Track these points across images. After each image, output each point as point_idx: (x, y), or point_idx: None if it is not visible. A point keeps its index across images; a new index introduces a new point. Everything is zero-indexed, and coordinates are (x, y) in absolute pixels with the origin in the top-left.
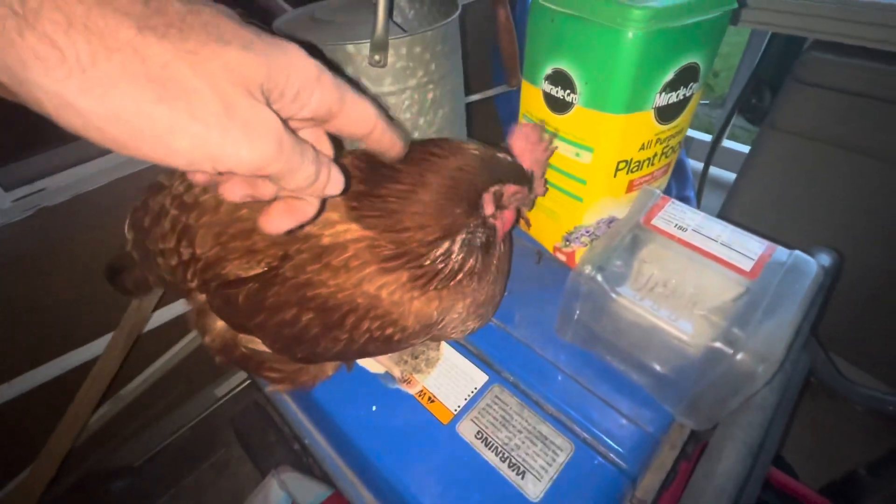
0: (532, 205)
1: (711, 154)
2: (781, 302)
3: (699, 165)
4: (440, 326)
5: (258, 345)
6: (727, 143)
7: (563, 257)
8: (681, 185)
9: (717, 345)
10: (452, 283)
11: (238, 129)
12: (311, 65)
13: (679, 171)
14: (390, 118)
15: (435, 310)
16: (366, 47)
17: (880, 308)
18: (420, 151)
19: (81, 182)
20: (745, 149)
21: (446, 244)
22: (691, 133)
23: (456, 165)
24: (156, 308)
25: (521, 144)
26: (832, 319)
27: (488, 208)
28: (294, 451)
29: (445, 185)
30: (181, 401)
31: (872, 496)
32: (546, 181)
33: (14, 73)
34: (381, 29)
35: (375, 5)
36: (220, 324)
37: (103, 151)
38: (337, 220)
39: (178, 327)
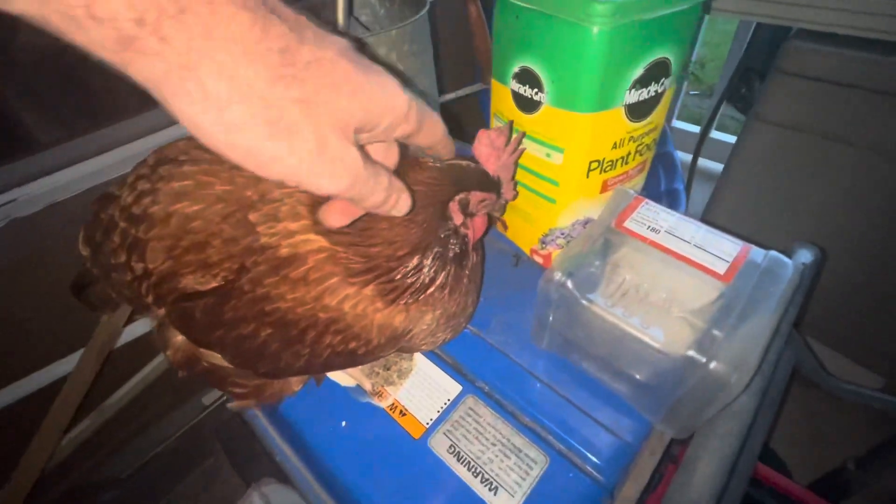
0: (503, 210)
1: (700, 145)
2: (756, 306)
3: (688, 157)
4: (408, 338)
5: (220, 359)
6: (716, 133)
7: (540, 260)
8: (669, 178)
9: (690, 353)
10: (422, 296)
11: (325, 165)
12: (402, 102)
13: (668, 163)
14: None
15: (400, 323)
16: None
17: (865, 297)
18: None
19: (54, 191)
20: (734, 140)
21: (416, 258)
22: (679, 125)
23: (415, 180)
24: (136, 319)
25: (486, 150)
26: (817, 309)
27: (456, 218)
28: (277, 462)
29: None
30: (168, 410)
31: (860, 491)
32: (516, 184)
33: (162, 94)
34: (341, 29)
35: (335, 4)
36: (180, 338)
37: (77, 159)
38: (296, 230)
39: None
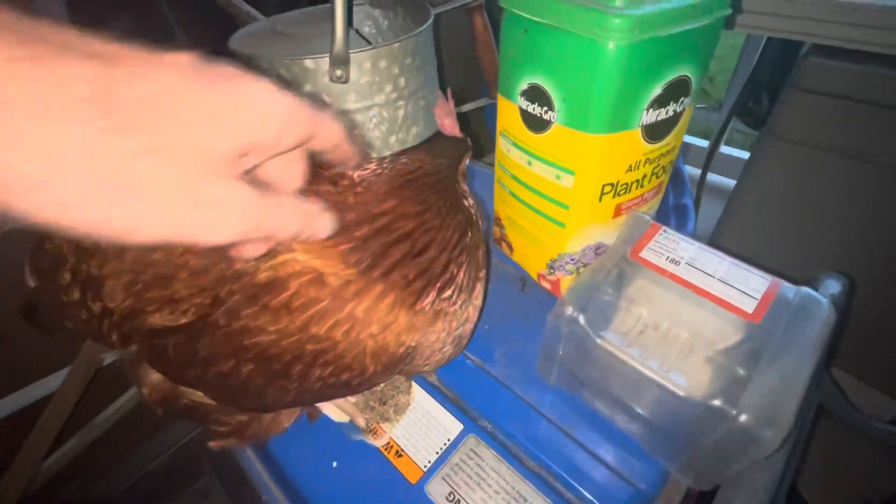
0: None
1: (709, 160)
2: (789, 350)
3: (697, 172)
4: (409, 359)
5: (202, 396)
6: (725, 148)
7: (547, 285)
8: (678, 193)
9: (716, 402)
10: (450, 290)
11: (202, 217)
12: (279, 112)
13: (676, 178)
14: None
15: (398, 344)
16: (325, 62)
17: (891, 322)
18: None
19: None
20: (744, 154)
21: (445, 252)
22: (688, 139)
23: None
24: None
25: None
26: (843, 337)
27: (464, 188)
28: (264, 501)
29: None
30: (159, 427)
31: None
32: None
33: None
34: (339, 42)
35: (332, 17)
36: (156, 375)
37: None
38: (277, 248)
39: None
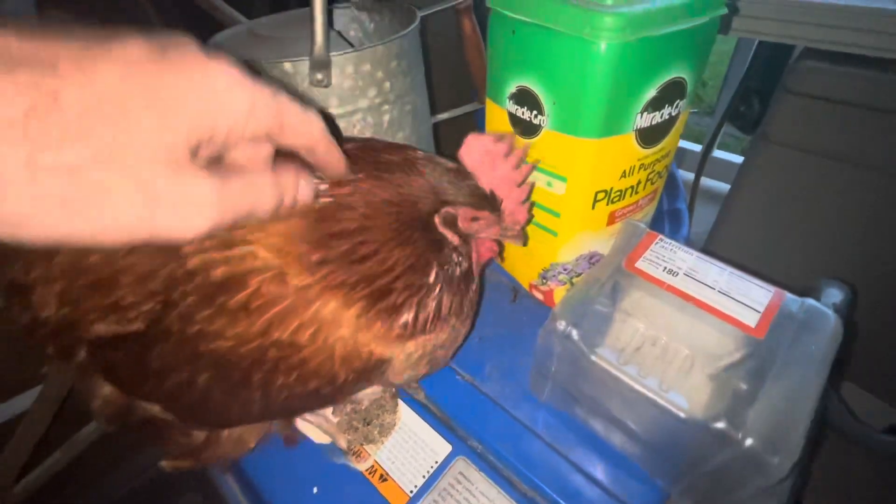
0: (517, 236)
1: (702, 165)
2: (796, 367)
3: (690, 176)
4: (380, 372)
5: (162, 413)
6: (718, 152)
7: (540, 295)
8: (672, 197)
9: (720, 426)
10: (429, 326)
11: (170, 213)
12: (240, 101)
13: (670, 183)
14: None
15: (370, 353)
16: (305, 65)
17: (887, 327)
18: (366, 162)
19: None
20: (737, 158)
21: (417, 277)
22: (681, 143)
23: (398, 183)
24: None
25: (477, 157)
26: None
27: (450, 237)
28: None
29: (393, 207)
30: (143, 445)
31: None
32: (532, 204)
33: None
34: (320, 45)
35: (312, 18)
36: (108, 387)
37: None
38: (235, 239)
39: None
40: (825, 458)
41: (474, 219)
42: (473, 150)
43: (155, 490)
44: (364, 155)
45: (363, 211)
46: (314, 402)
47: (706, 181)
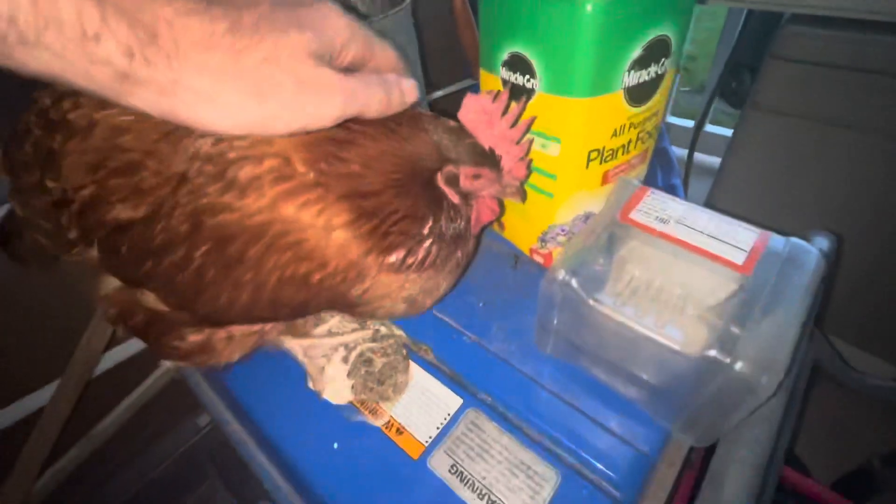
0: (517, 193)
1: (695, 140)
2: (781, 299)
3: (684, 153)
4: (363, 292)
5: (155, 301)
6: (710, 127)
7: (540, 259)
8: (666, 174)
9: (712, 353)
10: (415, 269)
11: (315, 96)
12: (344, 24)
13: (663, 159)
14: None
15: (362, 256)
16: None
17: (881, 287)
18: (378, 123)
19: None
20: (729, 133)
21: (416, 226)
22: (674, 120)
23: (404, 136)
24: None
25: (473, 117)
26: (832, 302)
27: (451, 195)
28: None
29: (397, 158)
30: (162, 434)
31: (888, 489)
32: (529, 161)
33: (161, 111)
34: None
35: None
36: (112, 284)
37: None
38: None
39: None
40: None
41: (476, 176)
42: (471, 110)
43: (172, 482)
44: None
45: (368, 152)
46: (304, 293)
47: (699, 156)
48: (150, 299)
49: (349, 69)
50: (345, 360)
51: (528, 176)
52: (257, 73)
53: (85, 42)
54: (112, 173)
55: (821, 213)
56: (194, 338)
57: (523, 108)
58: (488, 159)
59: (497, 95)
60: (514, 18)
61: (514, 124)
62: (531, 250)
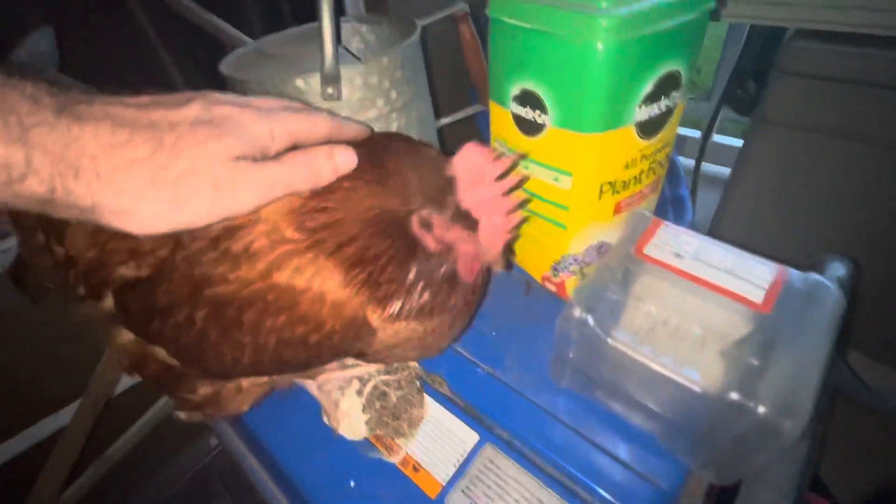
0: (494, 260)
1: (702, 150)
2: (802, 339)
3: (691, 163)
4: (367, 343)
5: (168, 357)
6: (717, 137)
7: (552, 287)
8: (674, 185)
9: (733, 396)
10: (405, 315)
11: (229, 197)
12: (262, 130)
13: (671, 170)
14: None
15: (358, 311)
16: (316, 80)
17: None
18: (369, 148)
19: None
20: (736, 142)
21: (401, 270)
22: (680, 130)
23: (387, 172)
24: None
25: (465, 170)
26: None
27: (427, 242)
28: None
29: (373, 197)
30: (174, 454)
31: None
32: (512, 237)
33: (88, 221)
34: (329, 60)
35: (320, 35)
36: (126, 335)
37: None
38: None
39: None
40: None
41: (448, 231)
42: (465, 161)
43: (186, 499)
44: (372, 142)
45: (348, 195)
46: (305, 354)
47: (707, 166)
48: (162, 353)
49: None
50: (359, 393)
51: (507, 249)
52: (175, 186)
53: (10, 183)
54: (111, 237)
55: (832, 225)
56: (204, 390)
57: (524, 179)
58: (463, 219)
59: (499, 155)
60: (525, 55)
61: (506, 192)
62: (543, 278)
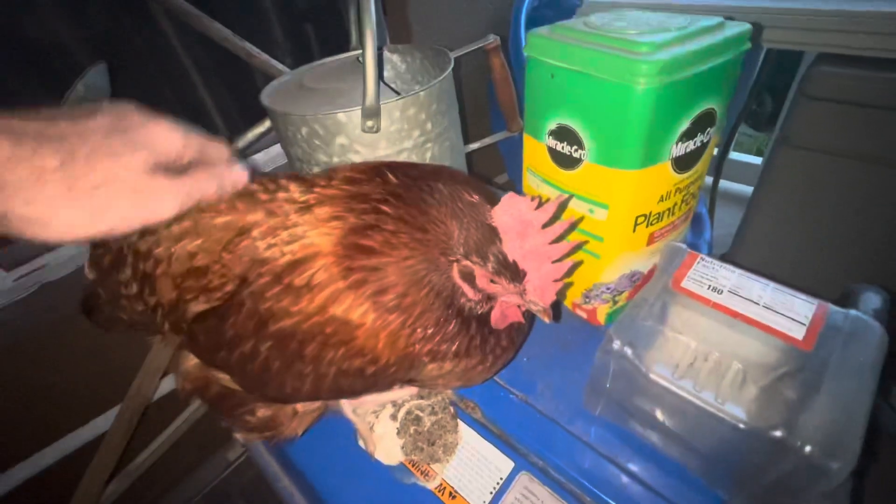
0: (542, 312)
1: (720, 168)
2: (846, 377)
3: (708, 180)
4: (420, 367)
5: (231, 382)
6: (734, 154)
7: (583, 314)
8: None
9: (779, 434)
10: (448, 355)
11: (149, 204)
12: (177, 137)
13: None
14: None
15: (408, 347)
16: (357, 115)
17: None
18: (415, 197)
19: (83, 253)
20: (752, 159)
21: (438, 318)
22: None
23: (431, 220)
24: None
25: (508, 221)
26: None
27: (468, 291)
28: None
29: (415, 244)
30: (193, 468)
31: None
32: (563, 287)
33: (9, 233)
34: (371, 96)
35: (364, 72)
36: (191, 362)
37: None
38: (301, 234)
39: None
40: (881, 462)
41: (490, 281)
42: (506, 212)
43: None
44: (419, 181)
45: (389, 239)
46: (361, 383)
47: (724, 183)
48: (225, 378)
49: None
50: (393, 417)
51: (558, 300)
52: (94, 194)
53: None
54: (185, 278)
55: (853, 248)
56: (263, 412)
57: (574, 225)
58: (509, 271)
59: (540, 203)
60: (563, 94)
61: (553, 241)
62: (574, 304)
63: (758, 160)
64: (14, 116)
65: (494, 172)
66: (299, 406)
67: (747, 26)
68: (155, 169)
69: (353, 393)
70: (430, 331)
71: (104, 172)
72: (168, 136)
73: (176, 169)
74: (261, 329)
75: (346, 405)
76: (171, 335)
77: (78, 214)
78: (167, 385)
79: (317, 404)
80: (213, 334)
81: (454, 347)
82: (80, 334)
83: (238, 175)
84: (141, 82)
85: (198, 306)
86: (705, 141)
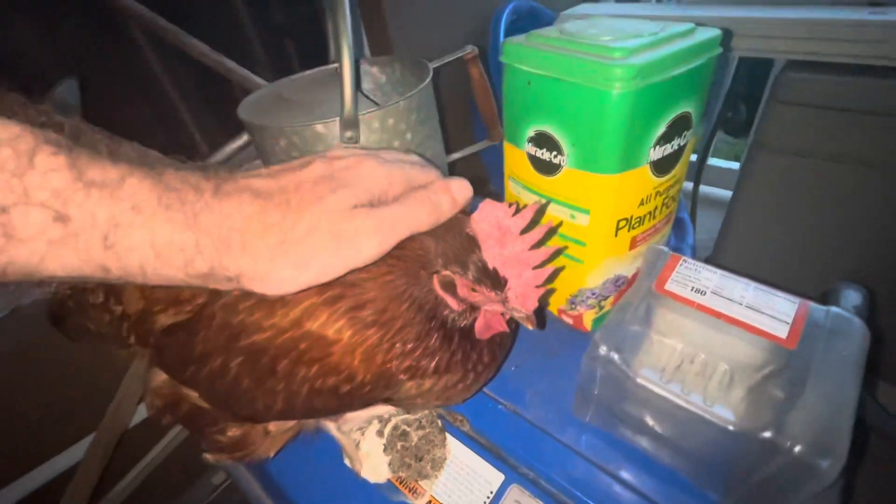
0: (525, 319)
1: (699, 173)
2: (831, 374)
3: (689, 186)
4: (396, 385)
5: (201, 400)
6: (712, 160)
7: (569, 320)
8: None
9: (768, 435)
10: (431, 373)
11: (350, 248)
12: (382, 175)
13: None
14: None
15: (385, 364)
16: (336, 126)
17: None
18: None
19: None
20: (730, 164)
21: (419, 332)
22: None
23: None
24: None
25: (486, 228)
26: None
27: (451, 302)
28: None
29: (393, 259)
30: (176, 494)
31: None
32: (546, 292)
33: (237, 288)
34: (349, 106)
35: (341, 82)
36: (161, 378)
37: None
38: None
39: None
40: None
41: (471, 291)
42: (484, 219)
43: None
44: None
45: None
46: (335, 402)
47: (704, 188)
48: (194, 395)
49: None
50: (379, 433)
51: (541, 306)
52: (300, 246)
53: (185, 265)
54: (153, 288)
55: (835, 247)
56: (234, 432)
57: (552, 231)
58: (489, 279)
59: (518, 209)
60: (540, 100)
61: (532, 247)
62: (559, 311)
63: (736, 165)
64: (251, 174)
65: (479, 185)
66: (271, 426)
67: (718, 31)
68: (357, 207)
69: (328, 412)
70: (409, 346)
71: (309, 220)
72: (372, 173)
73: (381, 204)
74: (231, 343)
75: (331, 424)
76: (139, 349)
77: (286, 268)
78: (145, 411)
79: (290, 424)
80: (181, 349)
81: (434, 363)
82: (50, 361)
83: (458, 190)
84: (116, 98)
85: (167, 319)
86: (682, 144)
